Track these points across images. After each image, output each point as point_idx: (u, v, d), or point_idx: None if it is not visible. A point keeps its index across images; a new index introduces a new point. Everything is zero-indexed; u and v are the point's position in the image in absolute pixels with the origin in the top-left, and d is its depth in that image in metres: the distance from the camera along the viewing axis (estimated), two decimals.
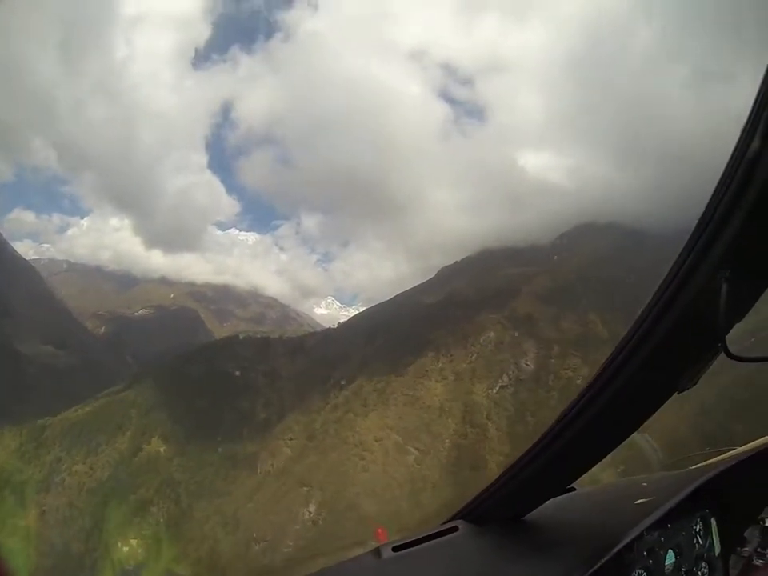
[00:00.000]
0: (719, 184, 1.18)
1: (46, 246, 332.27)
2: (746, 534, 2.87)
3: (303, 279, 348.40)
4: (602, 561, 1.87)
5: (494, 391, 70.64)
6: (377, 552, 2.12)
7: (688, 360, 1.39)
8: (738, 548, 2.82)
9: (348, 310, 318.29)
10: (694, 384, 1.44)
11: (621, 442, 1.75)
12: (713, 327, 1.24)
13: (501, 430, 64.98)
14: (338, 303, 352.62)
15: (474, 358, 75.03)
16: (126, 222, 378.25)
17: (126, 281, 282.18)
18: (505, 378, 71.57)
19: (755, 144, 1.09)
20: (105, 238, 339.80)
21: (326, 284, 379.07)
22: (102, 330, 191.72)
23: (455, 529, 2.23)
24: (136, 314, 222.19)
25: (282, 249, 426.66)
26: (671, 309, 1.32)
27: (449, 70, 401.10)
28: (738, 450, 2.93)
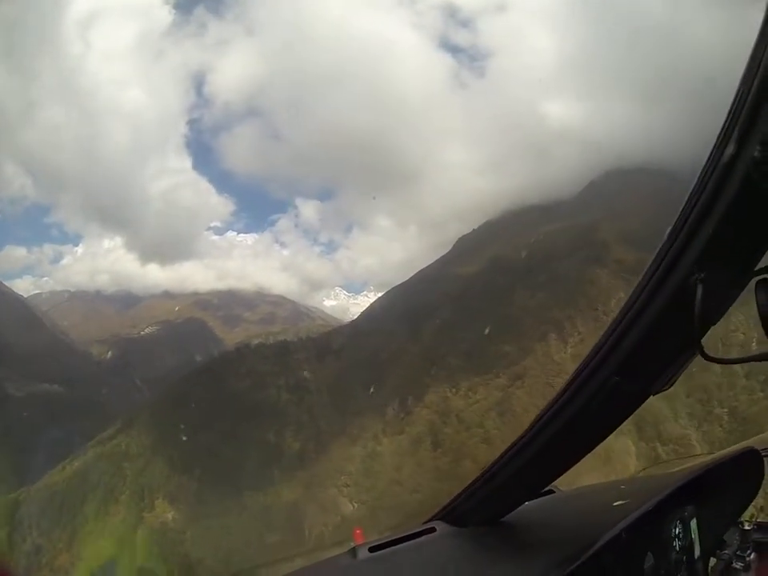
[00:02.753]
0: (694, 187, 1.18)
1: (45, 279, 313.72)
2: (725, 537, 2.92)
3: (309, 273, 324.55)
4: (579, 562, 1.87)
5: None
6: (353, 552, 2.11)
7: (663, 363, 1.42)
8: (718, 551, 2.86)
9: (357, 299, 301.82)
10: (670, 386, 1.48)
11: (597, 444, 1.74)
12: (688, 330, 1.24)
13: (704, 439, 42.28)
14: (346, 292, 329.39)
15: None
16: (118, 240, 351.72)
17: (128, 300, 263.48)
18: None
19: (730, 149, 1.09)
20: (100, 262, 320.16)
21: (334, 274, 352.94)
22: (109, 354, 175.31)
23: (433, 530, 2.22)
24: (142, 333, 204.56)
25: (282, 245, 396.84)
26: (646, 311, 1.32)
27: (447, 12, 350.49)
28: (717, 454, 3.14)
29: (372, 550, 2.10)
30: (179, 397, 70.56)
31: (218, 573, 50.10)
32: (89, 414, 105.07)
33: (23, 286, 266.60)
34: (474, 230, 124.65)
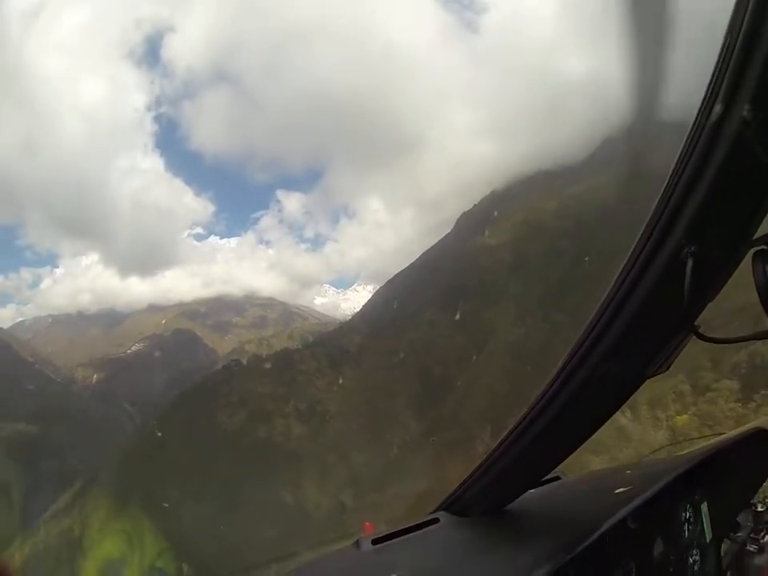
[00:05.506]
0: (681, 152, 1.06)
1: (28, 305, 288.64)
2: (738, 519, 2.81)
3: (298, 270, 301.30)
4: (583, 545, 1.85)
5: None
6: (356, 544, 2.10)
7: (657, 344, 1.33)
8: (731, 533, 2.76)
9: (346, 294, 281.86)
10: (667, 368, 1.40)
11: (596, 430, 1.67)
12: (681, 308, 1.14)
13: None
14: (334, 288, 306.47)
15: None
16: (94, 256, 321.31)
17: (113, 318, 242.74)
18: None
19: (717, 108, 0.98)
20: (79, 281, 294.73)
21: (323, 269, 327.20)
22: (94, 378, 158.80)
23: (436, 520, 2.19)
24: (129, 351, 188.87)
25: (267, 243, 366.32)
26: (636, 290, 1.22)
27: None
28: (727, 434, 2.90)
29: (375, 541, 2.05)
30: (155, 447, 50.49)
31: (227, 569, 37.26)
32: (69, 456, 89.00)
33: (7, 315, 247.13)
34: (475, 204, 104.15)
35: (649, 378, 1.37)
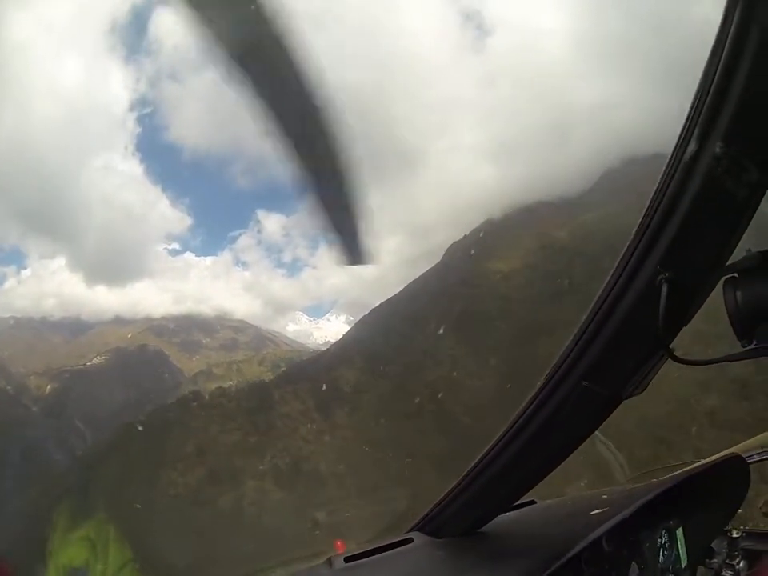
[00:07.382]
0: (658, 185, 1.14)
1: None
2: (713, 546, 2.77)
3: (273, 295, 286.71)
4: (555, 566, 1.81)
5: None
6: (329, 562, 2.06)
7: (633, 366, 1.36)
8: (707, 559, 2.73)
9: (318, 323, 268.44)
10: (642, 391, 1.42)
11: (571, 452, 1.67)
12: (657, 331, 1.19)
13: None
14: (307, 316, 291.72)
15: None
16: (62, 260, 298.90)
17: (77, 327, 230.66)
18: None
19: (692, 146, 1.06)
20: (45, 284, 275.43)
21: (299, 296, 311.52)
22: (48, 389, 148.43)
23: (410, 540, 2.16)
24: (89, 363, 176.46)
25: (244, 265, 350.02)
26: (614, 313, 1.27)
27: None
28: (703, 461, 2.82)
29: (348, 560, 2.02)
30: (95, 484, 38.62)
31: None
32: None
33: None
34: (465, 235, 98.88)
35: (625, 398, 1.39)
